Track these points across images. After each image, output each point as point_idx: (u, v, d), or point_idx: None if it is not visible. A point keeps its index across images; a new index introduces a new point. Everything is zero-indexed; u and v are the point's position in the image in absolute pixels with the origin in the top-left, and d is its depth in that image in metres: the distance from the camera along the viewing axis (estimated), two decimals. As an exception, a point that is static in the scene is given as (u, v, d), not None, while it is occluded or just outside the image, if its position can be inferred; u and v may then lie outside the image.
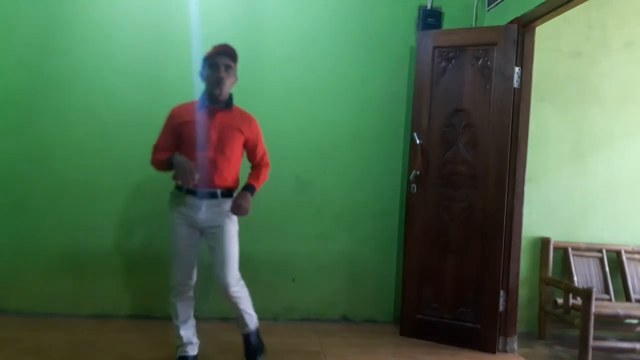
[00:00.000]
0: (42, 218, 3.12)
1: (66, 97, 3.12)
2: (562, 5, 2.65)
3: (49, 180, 3.11)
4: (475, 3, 3.38)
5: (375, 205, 3.39)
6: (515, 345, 3.02)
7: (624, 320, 3.21)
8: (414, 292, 3.13)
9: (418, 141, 3.12)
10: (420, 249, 3.13)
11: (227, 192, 2.41)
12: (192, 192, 2.35)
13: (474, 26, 3.36)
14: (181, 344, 2.46)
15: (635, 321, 3.25)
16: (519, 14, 2.92)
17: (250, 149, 2.52)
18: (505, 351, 2.99)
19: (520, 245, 3.02)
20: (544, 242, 3.36)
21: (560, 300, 3.09)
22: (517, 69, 2.95)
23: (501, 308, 2.96)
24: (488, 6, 3.30)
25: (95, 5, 3.13)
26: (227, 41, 2.39)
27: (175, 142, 2.39)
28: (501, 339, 2.99)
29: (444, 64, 3.10)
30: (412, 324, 3.13)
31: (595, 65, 3.44)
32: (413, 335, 3.11)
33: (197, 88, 2.48)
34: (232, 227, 2.43)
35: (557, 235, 3.37)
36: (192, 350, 2.48)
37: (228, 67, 2.35)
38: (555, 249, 3.33)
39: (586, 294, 2.81)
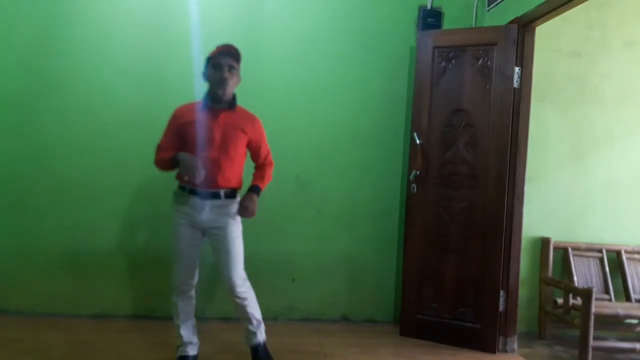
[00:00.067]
0: (42, 218, 3.12)
1: (66, 97, 3.12)
2: (562, 5, 2.65)
3: (49, 180, 3.11)
4: (475, 3, 3.38)
5: (375, 205, 3.39)
6: (515, 345, 3.02)
7: (624, 320, 3.21)
8: (414, 292, 3.13)
9: (418, 141, 3.12)
10: (420, 249, 3.13)
11: (231, 193, 2.40)
12: (195, 192, 2.34)
13: (474, 26, 3.36)
14: (181, 343, 2.46)
15: (635, 321, 3.26)
16: (519, 14, 2.92)
17: (254, 150, 2.51)
18: (505, 351, 2.99)
19: (520, 245, 3.02)
20: (544, 242, 3.36)
21: (560, 300, 3.09)
22: (517, 69, 2.95)
23: (501, 308, 2.96)
24: (488, 6, 3.30)
25: (95, 5, 3.13)
26: (227, 41, 2.38)
27: (178, 143, 2.37)
28: (501, 339, 2.99)
29: (444, 64, 3.10)
30: (412, 324, 3.13)
31: (595, 65, 3.44)
32: (413, 335, 3.11)
33: (198, 88, 2.48)
34: (236, 228, 2.42)
35: (557, 235, 3.37)
36: (192, 350, 2.48)
37: (231, 68, 2.35)
38: (555, 249, 3.33)
39: (586, 294, 2.82)
